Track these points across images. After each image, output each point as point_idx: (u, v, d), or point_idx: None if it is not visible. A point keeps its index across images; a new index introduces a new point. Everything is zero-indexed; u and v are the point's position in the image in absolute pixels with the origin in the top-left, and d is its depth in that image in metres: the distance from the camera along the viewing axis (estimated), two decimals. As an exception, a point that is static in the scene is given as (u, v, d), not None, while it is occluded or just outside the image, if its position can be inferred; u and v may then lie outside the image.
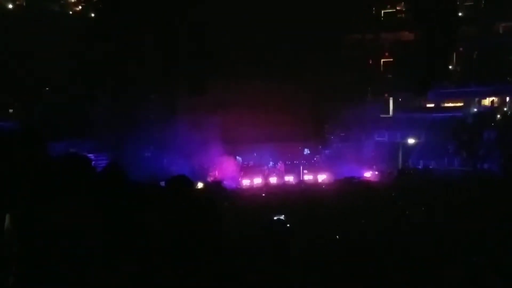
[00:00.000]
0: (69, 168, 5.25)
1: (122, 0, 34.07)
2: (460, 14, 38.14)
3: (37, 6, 34.56)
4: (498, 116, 34.56)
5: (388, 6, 39.97)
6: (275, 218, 15.72)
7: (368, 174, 29.83)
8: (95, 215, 4.94)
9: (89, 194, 5.08)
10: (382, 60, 40.02)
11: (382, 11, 40.25)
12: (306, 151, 34.49)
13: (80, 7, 37.24)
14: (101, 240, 4.88)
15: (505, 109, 35.61)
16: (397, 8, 39.91)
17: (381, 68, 40.12)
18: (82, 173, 5.30)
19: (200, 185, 27.33)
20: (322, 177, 29.94)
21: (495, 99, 36.21)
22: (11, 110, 31.60)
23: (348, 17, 35.60)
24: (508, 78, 35.34)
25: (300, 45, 34.53)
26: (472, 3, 38.47)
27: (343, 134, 35.43)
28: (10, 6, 34.48)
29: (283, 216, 16.57)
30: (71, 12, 36.86)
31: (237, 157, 33.00)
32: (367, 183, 28.04)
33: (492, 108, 35.79)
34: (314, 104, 35.40)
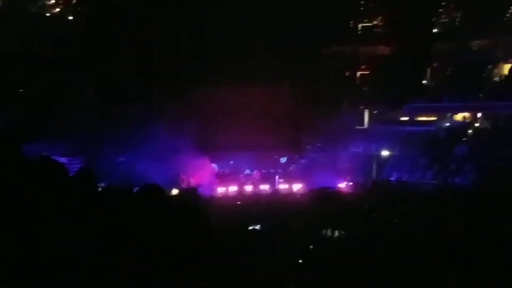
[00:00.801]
0: (40, 173, 5.25)
1: (101, 3, 33.86)
2: (435, 30, 38.98)
3: (14, 7, 34.06)
4: (470, 131, 35.28)
5: (366, 20, 40.60)
6: (250, 227, 15.78)
7: (342, 185, 30.09)
8: (65, 220, 4.93)
9: (59, 198, 5.08)
10: (358, 72, 40.57)
11: (360, 25, 40.85)
12: (283, 160, 34.64)
13: (58, 9, 36.85)
14: (72, 244, 4.88)
15: (476, 124, 36.37)
16: (374, 22, 40.56)
17: (358, 81, 40.65)
18: (53, 178, 5.29)
19: (175, 191, 27.22)
20: (297, 187, 30.10)
21: (467, 114, 36.95)
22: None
23: (326, 29, 36.01)
24: (480, 95, 36.12)
25: (278, 54, 34.79)
26: (447, 20, 39.36)
27: (319, 144, 35.69)
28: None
29: (258, 226, 16.64)
30: (48, 14, 36.43)
31: (213, 164, 32.97)
32: (341, 193, 28.29)
33: (464, 124, 36.51)
34: (291, 113, 35.64)
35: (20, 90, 32.51)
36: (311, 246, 18.59)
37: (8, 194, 4.83)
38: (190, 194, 26.48)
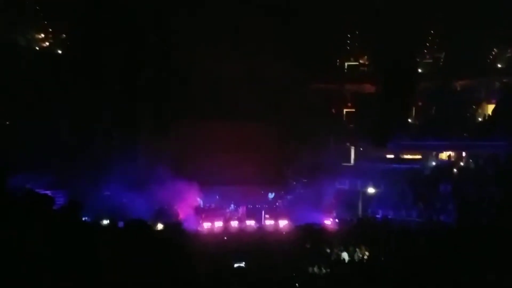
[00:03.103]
0: (26, 205, 5.20)
1: (90, 38, 34.18)
2: (419, 70, 39.82)
3: (2, 39, 34.15)
4: (455, 170, 35.61)
5: (352, 59, 41.39)
6: (236, 265, 15.58)
7: (328, 222, 30.00)
8: (47, 252, 4.86)
9: (43, 232, 5.02)
10: (344, 109, 41.07)
11: (346, 63, 41.62)
12: (269, 195, 34.57)
13: (47, 43, 37.06)
14: (56, 276, 4.80)
15: (461, 163, 36.75)
16: (360, 61, 41.36)
17: (344, 117, 41.11)
18: (38, 211, 5.24)
19: (160, 226, 26.92)
20: (283, 223, 29.92)
21: (452, 153, 37.37)
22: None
23: (313, 67, 36.63)
24: (465, 134, 36.64)
25: (265, 90, 35.19)
26: (431, 61, 40.23)
27: (305, 180, 35.72)
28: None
29: (243, 263, 16.44)
30: (37, 48, 36.60)
31: (198, 199, 32.79)
32: (327, 230, 28.18)
33: (449, 162, 36.87)
34: (277, 149, 35.79)
35: (6, 123, 32.34)
36: (297, 284, 18.40)
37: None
38: (175, 229, 26.17)
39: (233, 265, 16.52)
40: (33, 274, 4.53)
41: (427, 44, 39.53)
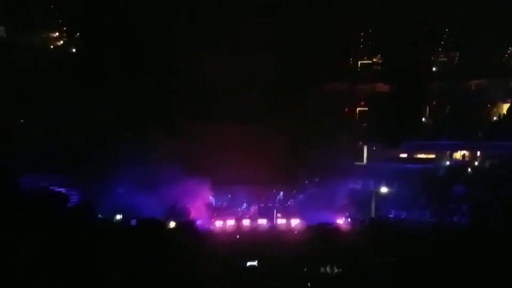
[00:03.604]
0: (42, 203, 5.27)
1: (103, 37, 34.40)
2: (434, 69, 39.44)
3: (17, 39, 34.49)
4: (469, 170, 35.27)
5: (365, 58, 41.10)
6: (248, 264, 15.58)
7: (340, 221, 29.88)
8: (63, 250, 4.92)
9: (58, 229, 5.09)
10: (357, 109, 40.83)
11: (359, 62, 41.34)
12: (281, 195, 34.51)
13: (61, 42, 37.35)
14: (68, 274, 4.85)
15: (475, 163, 36.38)
16: (373, 60, 41.04)
17: (357, 117, 40.87)
18: (54, 209, 5.32)
19: (172, 224, 27.03)
20: (295, 222, 29.86)
21: (466, 153, 37.00)
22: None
23: (326, 66, 36.48)
24: (479, 134, 36.27)
25: (278, 89, 35.14)
26: (446, 59, 39.81)
27: (317, 180, 35.61)
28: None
29: (256, 262, 16.44)
30: (52, 47, 36.90)
31: (211, 198, 32.86)
32: (339, 230, 28.08)
33: (463, 162, 36.52)
34: (290, 148, 35.69)
35: (21, 121, 32.67)
36: (308, 284, 18.38)
37: (9, 223, 4.86)
38: (188, 228, 26.25)
39: (246, 263, 16.54)
40: (47, 269, 4.59)
41: (442, 43, 39.16)
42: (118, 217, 26.65)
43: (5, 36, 34.77)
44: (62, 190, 24.93)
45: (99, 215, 23.22)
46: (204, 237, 24.98)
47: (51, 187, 23.33)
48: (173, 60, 34.65)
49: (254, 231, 29.09)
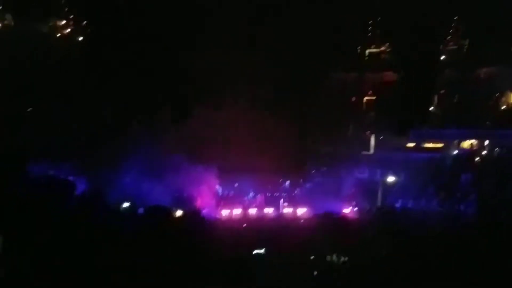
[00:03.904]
0: (50, 191, 5.30)
1: (110, 25, 34.33)
2: (442, 58, 39.07)
3: (25, 27, 34.52)
4: (477, 159, 35.06)
5: (373, 46, 40.76)
6: (254, 252, 15.62)
7: (347, 210, 29.86)
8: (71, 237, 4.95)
9: (67, 216, 5.12)
10: (365, 98, 40.56)
11: (367, 51, 41.01)
12: (287, 184, 34.48)
13: (68, 30, 37.34)
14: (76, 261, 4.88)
15: (483, 152, 36.15)
16: (382, 48, 40.70)
17: (364, 106, 40.62)
18: (62, 196, 5.34)
19: (179, 212, 27.12)
20: (301, 211, 29.88)
21: (474, 142, 36.76)
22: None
23: (333, 55, 36.23)
24: (487, 122, 36.01)
25: (285, 79, 34.99)
26: (455, 48, 39.42)
27: (324, 169, 35.52)
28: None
29: (263, 250, 16.48)
30: (59, 35, 36.90)
31: (217, 187, 32.90)
32: (346, 219, 28.08)
33: (471, 151, 36.28)
34: (297, 138, 35.61)
35: (28, 110, 32.77)
36: (315, 272, 18.41)
37: (18, 210, 4.89)
38: (195, 216, 26.35)
39: (252, 252, 16.60)
40: (56, 256, 4.61)
41: (451, 31, 38.76)
42: (126, 205, 26.77)
43: (12, 24, 34.78)
44: (70, 178, 25.08)
45: (107, 203, 23.31)
46: (211, 226, 25.07)
47: (59, 176, 23.49)
48: (182, 49, 34.54)
49: (260, 220, 29.15)
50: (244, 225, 28.01)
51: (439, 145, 37.30)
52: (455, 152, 36.43)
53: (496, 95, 38.55)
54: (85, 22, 37.15)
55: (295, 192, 34.00)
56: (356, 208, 30.28)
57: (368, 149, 38.34)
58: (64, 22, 37.24)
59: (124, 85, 33.15)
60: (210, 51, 33.26)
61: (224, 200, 31.74)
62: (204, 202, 30.61)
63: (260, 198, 32.11)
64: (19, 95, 30.55)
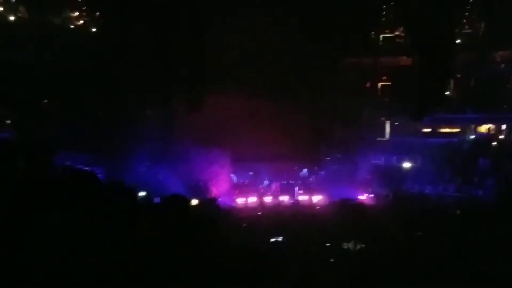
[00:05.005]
0: (78, 182, 5.29)
1: (123, 16, 34.31)
2: (458, 41, 38.50)
3: (38, 19, 34.68)
4: (494, 143, 34.68)
5: (387, 31, 40.28)
6: (272, 240, 15.65)
7: (363, 197, 29.79)
8: (92, 225, 4.94)
9: (93, 206, 5.11)
10: (379, 83, 40.22)
11: (381, 35, 40.55)
12: (302, 171, 34.45)
13: (82, 21, 37.46)
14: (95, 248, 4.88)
15: (501, 136, 35.74)
16: (396, 33, 40.21)
17: (379, 92, 40.29)
18: (89, 187, 5.34)
19: (195, 201, 27.25)
20: (317, 198, 29.88)
21: (491, 126, 36.36)
22: (8, 121, 31.58)
23: (347, 40, 35.84)
24: (505, 106, 35.57)
25: (298, 66, 34.76)
26: (470, 31, 38.81)
27: (339, 156, 35.41)
28: (12, 18, 34.62)
29: (281, 237, 16.50)
30: (72, 26, 37.04)
31: (232, 175, 32.99)
32: (362, 205, 27.99)
33: (488, 135, 35.90)
34: (311, 124, 35.48)
35: (44, 101, 33.02)
36: (331, 259, 18.38)
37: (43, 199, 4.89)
38: (211, 205, 26.47)
39: (269, 240, 16.61)
40: (76, 247, 4.60)
41: (467, 14, 38.14)
42: (142, 194, 26.96)
43: (26, 17, 34.95)
44: (87, 169, 25.29)
45: (124, 193, 23.41)
46: (227, 214, 25.16)
47: (76, 166, 23.65)
48: (196, 36, 34.37)
49: (276, 208, 29.21)
50: (260, 213, 28.09)
51: (456, 129, 36.98)
52: (472, 136, 36.09)
53: (513, 78, 38.01)
54: (98, 13, 37.18)
55: (310, 179, 33.98)
56: (372, 195, 30.19)
57: (383, 135, 38.14)
58: (77, 13, 37.32)
59: (139, 74, 33.15)
60: (224, 37, 33.06)
61: (239, 189, 31.83)
62: (219, 190, 30.72)
63: (275, 186, 32.13)
64: (34, 86, 30.75)
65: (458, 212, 24.65)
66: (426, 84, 34.19)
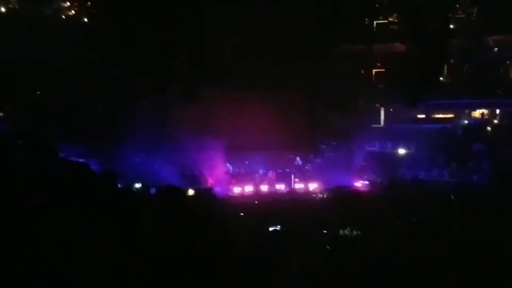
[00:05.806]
0: (72, 173, 5.27)
1: (116, 6, 34.05)
2: (451, 26, 38.48)
3: (29, 10, 34.39)
4: (488, 128, 34.85)
5: (381, 17, 40.19)
6: (270, 228, 15.67)
7: (358, 184, 29.91)
8: (91, 219, 4.94)
9: (86, 198, 5.10)
10: (374, 70, 40.22)
11: (375, 22, 40.46)
12: (298, 160, 34.51)
13: (73, 11, 37.16)
14: (96, 242, 4.88)
15: (495, 121, 35.91)
16: (390, 19, 40.14)
17: (373, 79, 40.31)
18: (83, 179, 5.32)
19: (191, 191, 27.25)
20: (313, 186, 29.98)
21: (485, 111, 36.50)
22: (1, 114, 31.43)
23: (341, 27, 35.76)
24: (498, 91, 35.68)
25: (292, 53, 34.66)
26: (463, 16, 38.79)
27: (334, 143, 35.50)
28: (2, 9, 34.32)
29: (279, 226, 16.53)
30: (64, 17, 36.76)
31: (227, 165, 32.98)
32: (357, 192, 28.10)
33: (482, 121, 36.06)
34: (306, 112, 35.48)
35: (37, 93, 32.83)
36: (327, 246, 18.47)
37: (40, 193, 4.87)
38: (207, 194, 26.47)
39: (267, 228, 16.65)
40: (71, 236, 4.60)
41: (459, -1, 38.14)
42: (137, 185, 26.94)
43: (17, 7, 34.66)
44: (81, 160, 25.20)
45: (119, 184, 23.40)
46: (224, 203, 25.18)
47: (70, 158, 23.56)
48: (192, 25, 34.17)
49: (272, 196, 29.28)
50: (256, 201, 28.15)
51: (450, 115, 37.12)
52: (466, 122, 36.24)
53: (507, 63, 38.09)
54: (89, 2, 36.88)
55: (306, 167, 34.06)
56: (368, 181, 30.32)
57: (378, 122, 38.23)
58: (68, 3, 37.00)
59: (133, 64, 32.97)
60: (218, 26, 32.89)
61: (235, 178, 31.86)
62: (215, 180, 30.73)
63: (271, 174, 32.18)
64: (27, 77, 30.56)
65: (453, 197, 24.77)
66: (420, 70, 34.25)
